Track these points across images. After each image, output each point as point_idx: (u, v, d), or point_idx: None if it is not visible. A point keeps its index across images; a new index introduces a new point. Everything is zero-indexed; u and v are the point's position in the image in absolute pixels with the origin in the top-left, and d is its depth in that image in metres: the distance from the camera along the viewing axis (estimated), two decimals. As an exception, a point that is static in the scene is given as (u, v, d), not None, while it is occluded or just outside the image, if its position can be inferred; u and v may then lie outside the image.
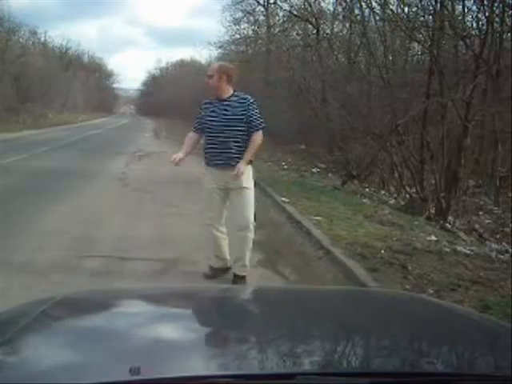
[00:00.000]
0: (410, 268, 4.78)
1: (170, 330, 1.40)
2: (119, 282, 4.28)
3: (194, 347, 1.30)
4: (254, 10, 25.24)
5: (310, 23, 19.11)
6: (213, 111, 4.30)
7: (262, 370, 1.16)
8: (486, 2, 9.07)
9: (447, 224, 8.01)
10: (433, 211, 8.82)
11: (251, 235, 4.44)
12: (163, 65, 71.00)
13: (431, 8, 9.54)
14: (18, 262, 4.66)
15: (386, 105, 10.45)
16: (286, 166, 14.06)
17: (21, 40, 39.87)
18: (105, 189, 9.11)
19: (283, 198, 8.32)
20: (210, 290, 2.30)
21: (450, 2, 9.62)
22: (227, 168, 4.24)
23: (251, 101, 4.26)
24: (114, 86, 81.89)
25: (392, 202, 9.94)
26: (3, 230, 5.71)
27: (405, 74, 11.15)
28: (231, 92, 4.29)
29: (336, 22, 18.04)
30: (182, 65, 56.12)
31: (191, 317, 1.59)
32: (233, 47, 26.80)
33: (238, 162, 4.20)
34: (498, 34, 9.46)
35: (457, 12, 10.11)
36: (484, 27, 9.10)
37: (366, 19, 12.26)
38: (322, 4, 19.55)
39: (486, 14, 9.05)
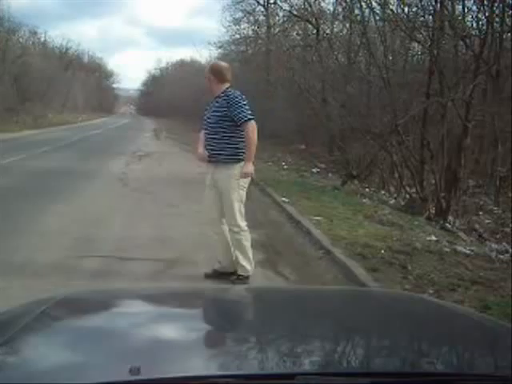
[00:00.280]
0: (409, 268, 4.79)
1: (170, 330, 1.40)
2: (119, 282, 4.28)
3: (194, 347, 1.30)
4: (254, 10, 25.28)
5: (310, 23, 19.12)
6: (207, 110, 4.48)
7: (262, 370, 1.17)
8: (485, 2, 9.07)
9: (447, 224, 8.01)
10: (433, 211, 8.82)
11: (239, 236, 4.39)
12: (163, 65, 71.08)
13: (431, 8, 9.55)
14: (18, 262, 4.66)
15: (385, 105, 10.44)
16: (285, 166, 14.06)
17: (21, 40, 39.90)
18: (105, 189, 9.11)
19: (283, 198, 8.32)
20: (210, 290, 2.30)
21: (449, 2, 9.62)
22: (213, 164, 4.38)
23: (232, 96, 4.25)
24: (114, 86, 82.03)
25: (392, 202, 9.94)
26: (3, 230, 5.71)
27: (405, 74, 11.15)
28: (221, 90, 4.34)
29: (336, 22, 18.03)
30: (182, 65, 56.11)
31: (191, 317, 1.59)
32: (233, 47, 26.82)
33: (218, 158, 4.28)
34: (498, 34, 9.46)
35: (457, 12, 10.11)
36: (484, 27, 9.11)
37: (366, 19, 12.25)
38: (322, 4, 19.58)
39: (486, 14, 9.06)
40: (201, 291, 2.16)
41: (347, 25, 15.82)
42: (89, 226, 6.15)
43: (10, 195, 7.95)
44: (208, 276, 4.47)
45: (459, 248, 5.83)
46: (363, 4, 11.78)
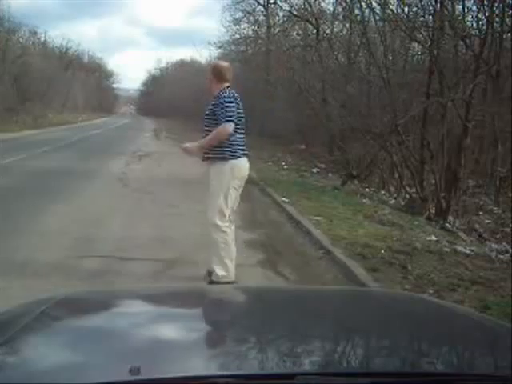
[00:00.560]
0: (410, 268, 4.78)
1: (169, 330, 1.40)
2: (119, 282, 4.28)
3: (194, 347, 1.30)
4: (254, 10, 25.29)
5: (310, 23, 19.12)
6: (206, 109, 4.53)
7: (262, 370, 1.16)
8: (485, 2, 9.07)
9: (447, 224, 8.01)
10: (433, 211, 8.82)
11: (215, 236, 4.27)
12: (163, 65, 71.07)
13: (431, 8, 9.55)
14: (18, 261, 4.66)
15: (385, 105, 10.44)
16: (285, 166, 14.06)
17: (21, 40, 39.88)
18: (105, 189, 9.11)
19: (283, 198, 8.32)
20: (210, 290, 2.30)
21: (449, 2, 9.62)
22: (207, 163, 4.41)
23: (222, 96, 4.24)
24: (114, 86, 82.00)
25: (392, 202, 9.94)
26: (3, 230, 5.71)
27: (405, 74, 11.15)
28: (219, 90, 4.34)
29: (336, 22, 18.03)
30: (182, 65, 56.10)
31: (191, 317, 1.59)
32: (233, 47, 26.83)
33: (209, 156, 4.31)
34: (498, 34, 9.46)
35: (457, 12, 10.11)
36: (484, 27, 9.11)
37: (366, 19, 12.25)
38: (322, 4, 19.58)
39: (486, 14, 9.05)
40: (201, 291, 2.16)
41: (347, 25, 15.83)
42: (89, 226, 6.15)
43: (9, 195, 7.95)
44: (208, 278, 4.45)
45: (459, 248, 5.83)
46: (363, 4, 11.79)
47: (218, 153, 4.26)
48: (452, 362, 1.33)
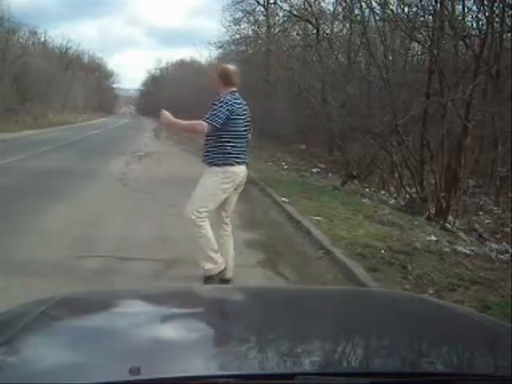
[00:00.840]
0: (410, 268, 4.78)
1: (169, 330, 1.40)
2: (119, 282, 4.28)
3: (194, 347, 1.30)
4: (254, 10, 25.29)
5: (310, 23, 19.12)
6: None
7: (262, 370, 1.16)
8: (485, 2, 9.07)
9: (447, 224, 8.01)
10: (433, 211, 8.82)
11: (194, 228, 4.29)
12: (163, 65, 71.02)
13: (431, 8, 9.55)
14: (18, 261, 4.66)
15: (385, 105, 10.44)
16: (286, 166, 14.06)
17: (21, 40, 39.89)
18: (105, 189, 9.11)
19: (283, 198, 8.32)
20: (210, 290, 2.30)
21: (449, 2, 9.62)
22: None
23: (218, 100, 4.23)
24: (114, 86, 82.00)
25: (392, 202, 9.94)
26: (3, 230, 5.72)
27: (405, 74, 11.15)
28: (223, 93, 4.31)
29: (336, 22, 18.04)
30: (182, 65, 56.09)
31: (191, 317, 1.59)
32: (233, 47, 26.84)
33: (205, 159, 4.32)
34: (498, 34, 9.46)
35: (457, 12, 10.11)
36: (484, 27, 9.11)
37: (366, 19, 12.25)
38: (322, 4, 19.59)
39: (486, 14, 9.06)
40: (201, 291, 2.16)
41: (347, 25, 15.83)
42: (89, 226, 6.15)
43: (10, 195, 7.95)
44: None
45: (459, 248, 5.83)
46: (363, 4, 11.78)
47: (214, 158, 4.27)
48: (452, 362, 1.33)
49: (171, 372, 1.10)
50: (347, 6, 14.06)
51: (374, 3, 11.34)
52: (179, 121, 4.42)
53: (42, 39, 48.27)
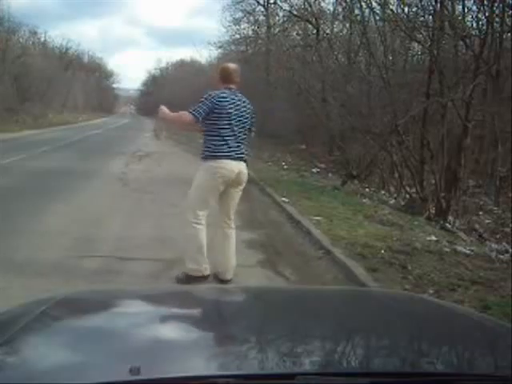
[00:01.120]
0: (410, 268, 4.78)
1: (169, 330, 1.40)
2: (119, 282, 4.28)
3: (194, 347, 1.30)
4: (254, 10, 25.29)
5: (310, 23, 19.14)
6: None
7: (262, 370, 1.16)
8: (485, 2, 9.07)
9: (447, 224, 8.01)
10: (433, 211, 8.82)
11: (187, 230, 4.36)
12: (163, 65, 71.11)
13: (431, 8, 9.55)
14: (17, 261, 4.66)
15: (386, 105, 10.44)
16: (285, 166, 14.06)
17: (21, 40, 39.87)
18: (105, 189, 9.11)
19: (283, 198, 8.32)
20: (210, 290, 2.30)
21: (449, 2, 9.62)
22: None
23: (206, 94, 4.30)
24: (114, 86, 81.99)
25: (392, 202, 9.94)
26: (3, 230, 5.71)
27: (405, 74, 11.15)
28: (220, 90, 4.36)
29: (336, 22, 18.05)
30: (181, 65, 56.13)
31: (191, 317, 1.59)
32: (233, 47, 26.84)
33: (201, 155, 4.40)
34: (498, 34, 9.46)
35: (457, 12, 10.11)
36: (484, 27, 9.11)
37: (366, 19, 12.25)
38: (322, 4, 19.60)
39: (486, 14, 9.06)
40: (201, 291, 2.16)
41: (347, 25, 15.84)
42: (89, 226, 6.15)
43: (10, 195, 7.94)
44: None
45: (459, 248, 5.83)
46: (363, 4, 11.79)
47: (203, 154, 4.35)
48: (452, 362, 1.33)
49: (171, 372, 1.10)
50: (347, 5, 14.06)
51: (373, 3, 11.36)
52: (169, 113, 4.49)
53: (42, 39, 48.32)
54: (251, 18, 25.39)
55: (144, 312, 1.60)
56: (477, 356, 1.37)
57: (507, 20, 9.43)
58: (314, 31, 18.55)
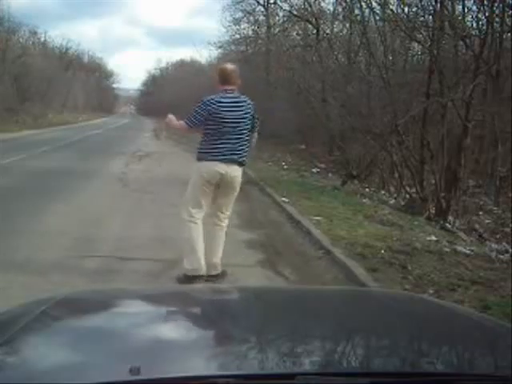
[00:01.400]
0: (410, 268, 4.78)
1: (169, 330, 1.40)
2: (119, 282, 4.28)
3: (194, 347, 1.30)
4: (254, 10, 25.27)
5: (310, 23, 19.13)
6: None
7: (262, 370, 1.16)
8: (485, 2, 9.07)
9: (447, 224, 8.01)
10: (433, 211, 8.82)
11: (184, 228, 4.40)
12: (163, 65, 71.07)
13: (431, 8, 9.55)
14: (18, 261, 4.66)
15: (386, 105, 10.44)
16: (285, 166, 14.06)
17: (21, 40, 39.87)
18: (105, 189, 9.11)
19: (283, 198, 8.32)
20: (209, 290, 2.30)
21: (449, 2, 9.62)
22: None
23: (201, 99, 4.38)
24: (114, 86, 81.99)
25: (392, 202, 9.94)
26: (3, 230, 5.71)
27: (405, 74, 11.15)
28: (219, 91, 4.39)
29: (336, 22, 18.04)
30: (181, 65, 56.13)
31: (191, 317, 1.59)
32: (233, 47, 26.83)
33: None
34: (498, 34, 9.46)
35: (457, 12, 10.11)
36: (484, 27, 9.11)
37: (366, 19, 12.25)
38: (322, 4, 19.60)
39: (486, 14, 9.06)
40: (201, 291, 2.16)
41: (347, 25, 15.83)
42: (89, 226, 6.15)
43: (10, 195, 7.94)
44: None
45: (459, 248, 5.83)
46: (363, 4, 11.79)
47: (197, 154, 4.45)
48: (452, 362, 1.33)
49: (171, 372, 1.10)
50: (347, 5, 14.06)
51: (373, 3, 11.36)
52: (174, 121, 4.61)
53: (42, 39, 48.31)
54: (251, 18, 25.40)
55: (144, 312, 1.60)
56: (477, 356, 1.37)
57: (507, 20, 9.43)
58: (314, 31, 18.55)
